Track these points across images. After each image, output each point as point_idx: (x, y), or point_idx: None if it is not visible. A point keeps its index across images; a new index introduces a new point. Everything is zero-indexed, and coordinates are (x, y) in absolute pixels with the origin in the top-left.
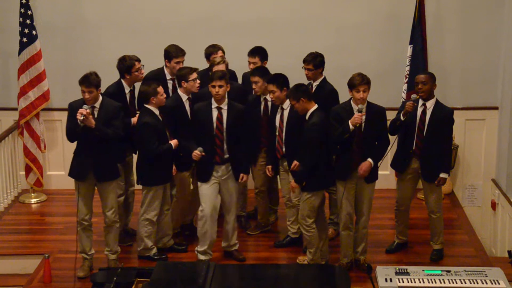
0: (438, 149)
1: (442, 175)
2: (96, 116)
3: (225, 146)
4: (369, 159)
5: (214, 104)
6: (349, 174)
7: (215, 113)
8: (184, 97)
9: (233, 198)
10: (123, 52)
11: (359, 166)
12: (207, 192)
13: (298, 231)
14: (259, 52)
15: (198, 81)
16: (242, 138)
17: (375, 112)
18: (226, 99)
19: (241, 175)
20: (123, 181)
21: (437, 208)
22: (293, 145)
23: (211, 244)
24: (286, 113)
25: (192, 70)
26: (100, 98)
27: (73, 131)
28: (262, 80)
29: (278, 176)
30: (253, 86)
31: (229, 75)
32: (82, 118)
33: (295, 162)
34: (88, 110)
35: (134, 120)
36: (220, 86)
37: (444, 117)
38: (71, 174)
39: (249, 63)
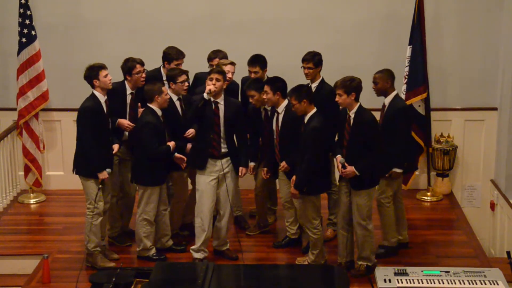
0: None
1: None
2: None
3: (222, 140)
4: (353, 167)
5: (211, 99)
6: (340, 176)
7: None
8: (174, 98)
9: (229, 195)
10: (123, 52)
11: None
12: (206, 188)
13: (297, 232)
14: (259, 61)
15: (187, 84)
16: (240, 132)
17: (362, 121)
18: (223, 94)
19: (240, 168)
20: (115, 184)
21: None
22: (287, 149)
23: (206, 241)
24: (280, 117)
25: (181, 72)
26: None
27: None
28: (258, 94)
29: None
30: (250, 100)
31: (230, 84)
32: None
33: (283, 164)
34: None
35: (122, 121)
36: (217, 80)
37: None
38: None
39: (250, 72)
